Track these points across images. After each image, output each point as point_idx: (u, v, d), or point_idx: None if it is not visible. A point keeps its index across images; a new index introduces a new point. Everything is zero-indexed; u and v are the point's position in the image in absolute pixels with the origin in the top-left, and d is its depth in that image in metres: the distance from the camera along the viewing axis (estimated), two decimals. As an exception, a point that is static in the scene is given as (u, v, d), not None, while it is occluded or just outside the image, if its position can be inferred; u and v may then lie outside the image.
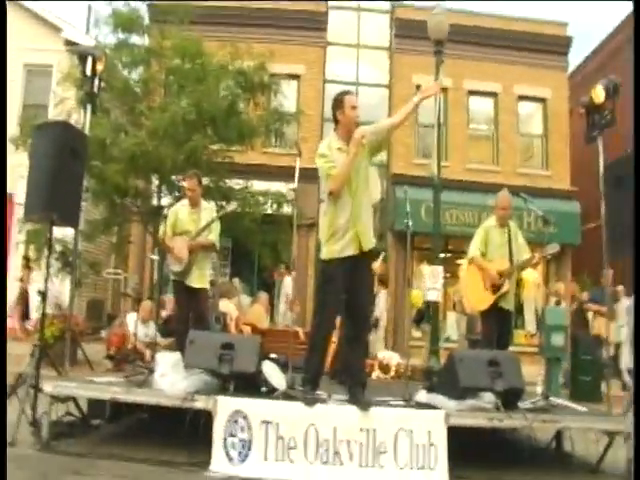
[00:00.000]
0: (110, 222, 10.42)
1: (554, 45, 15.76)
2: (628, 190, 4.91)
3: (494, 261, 6.07)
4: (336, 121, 4.38)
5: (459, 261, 13.30)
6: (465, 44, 14.59)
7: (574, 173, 15.54)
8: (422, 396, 4.53)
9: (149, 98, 10.52)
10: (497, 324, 5.99)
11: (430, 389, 4.63)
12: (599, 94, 5.55)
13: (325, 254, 4.34)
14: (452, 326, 11.81)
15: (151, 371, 4.48)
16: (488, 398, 4.25)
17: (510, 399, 4.34)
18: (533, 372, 8.06)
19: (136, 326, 6.42)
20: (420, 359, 8.79)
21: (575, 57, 18.39)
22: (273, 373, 4.46)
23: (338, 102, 4.32)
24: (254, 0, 15.32)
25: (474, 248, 6.19)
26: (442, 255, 10.08)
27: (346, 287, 4.26)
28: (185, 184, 6.06)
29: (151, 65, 10.58)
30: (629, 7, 16.71)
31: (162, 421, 4.52)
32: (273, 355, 5.70)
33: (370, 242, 4.31)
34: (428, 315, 9.65)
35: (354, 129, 4.23)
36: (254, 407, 4.00)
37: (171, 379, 4.16)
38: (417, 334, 13.58)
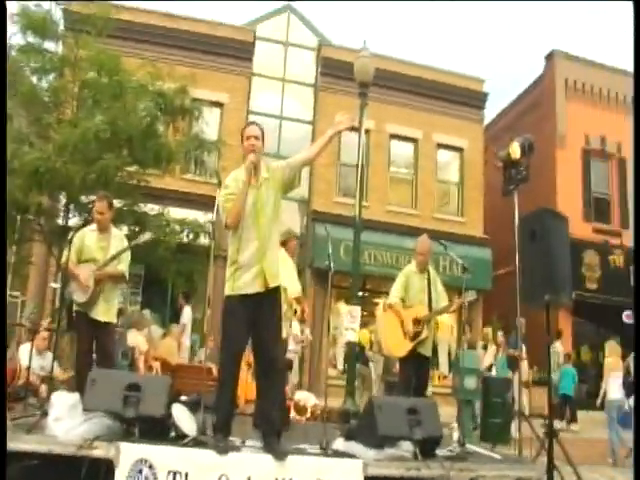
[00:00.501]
0: (7, 240, 9.50)
1: (472, 98, 16.66)
2: (541, 242, 5.17)
3: (413, 306, 6.12)
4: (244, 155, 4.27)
5: (377, 300, 13.41)
6: (389, 89, 15.09)
7: (485, 220, 16.29)
8: (340, 444, 4.35)
9: (59, 110, 9.86)
10: (415, 370, 5.99)
11: (348, 436, 4.47)
12: (515, 150, 5.88)
13: (228, 289, 4.11)
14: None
15: (44, 413, 3.94)
16: (406, 446, 4.15)
17: (428, 447, 4.28)
18: (446, 413, 8.13)
19: (30, 357, 5.75)
20: (337, 399, 8.64)
21: (491, 110, 19.50)
22: (183, 417, 4.07)
23: (241, 134, 4.25)
24: (179, 19, 15.07)
25: (394, 294, 6.21)
26: (360, 294, 10.05)
27: (251, 326, 4.05)
28: (95, 207, 5.58)
29: (64, 75, 9.94)
30: (539, 70, 17.99)
31: (55, 470, 3.97)
32: (184, 397, 5.31)
33: (276, 278, 4.13)
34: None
35: (254, 158, 4.11)
36: (161, 455, 3.64)
37: (67, 424, 3.68)
38: (333, 373, 13.49)
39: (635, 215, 5.04)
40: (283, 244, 6.17)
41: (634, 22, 5.81)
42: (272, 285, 4.06)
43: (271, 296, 4.09)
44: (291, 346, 8.31)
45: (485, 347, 10.85)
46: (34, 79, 9.89)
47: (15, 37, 9.70)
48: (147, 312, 9.78)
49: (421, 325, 5.97)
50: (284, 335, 6.01)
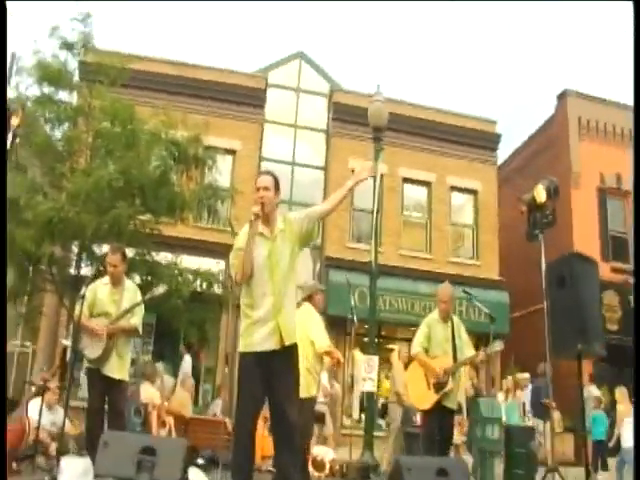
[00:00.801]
0: (19, 291, 9.33)
1: (484, 140, 16.63)
2: (571, 289, 4.98)
3: (437, 357, 5.89)
4: None
5: (391, 346, 13.07)
6: (400, 132, 15.05)
7: (500, 262, 16.04)
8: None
9: (73, 159, 9.84)
10: (439, 424, 5.72)
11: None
12: (541, 194, 5.76)
13: (242, 346, 3.90)
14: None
15: (53, 478, 3.67)
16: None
17: None
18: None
19: (40, 413, 5.51)
20: (354, 449, 8.33)
21: (504, 151, 19.46)
22: (200, 481, 3.80)
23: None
24: (192, 68, 15.25)
25: (417, 344, 6.00)
26: (375, 341, 9.74)
27: (266, 384, 3.82)
28: (109, 260, 5.39)
29: (78, 124, 9.96)
30: (551, 111, 18.02)
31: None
32: (200, 460, 5.02)
33: (292, 336, 3.91)
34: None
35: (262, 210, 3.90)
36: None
37: (77, 494, 3.41)
38: (347, 422, 13.05)
39: (635, 220, 4.90)
40: (309, 298, 6.01)
41: (634, 22, 5.76)
42: (288, 342, 3.85)
43: (287, 353, 3.88)
44: (320, 398, 7.97)
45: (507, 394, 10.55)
46: (48, 129, 9.93)
47: (31, 89, 9.81)
48: (160, 365, 9.48)
49: (446, 376, 5.71)
50: (312, 393, 5.79)
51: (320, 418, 8.20)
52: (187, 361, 10.57)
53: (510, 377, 11.61)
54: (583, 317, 4.87)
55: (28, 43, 21.08)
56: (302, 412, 5.67)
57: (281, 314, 3.84)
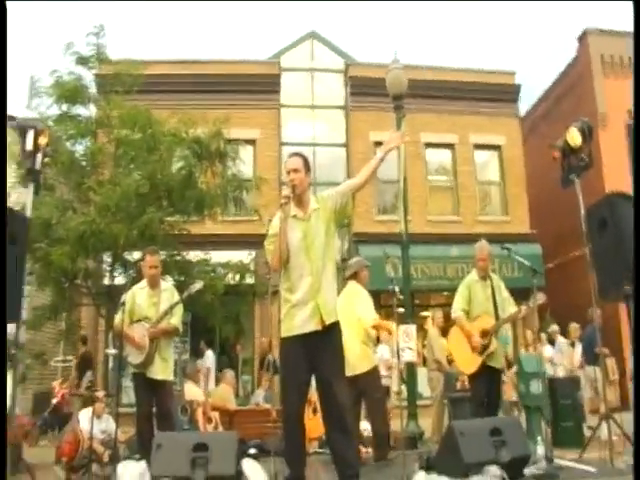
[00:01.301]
0: (58, 308, 9.60)
1: (504, 93, 16.18)
2: (614, 230, 4.81)
3: (479, 317, 5.81)
4: None
5: (425, 314, 13.04)
6: (419, 97, 14.73)
7: (529, 214, 15.78)
8: (422, 477, 4.14)
9: (97, 172, 10.00)
10: (487, 384, 5.69)
11: (428, 467, 4.21)
12: (575, 137, 5.51)
13: (284, 331, 3.91)
14: (423, 383, 11.32)
15: (110, 484, 3.85)
16: (493, 471, 3.86)
17: (516, 469, 4.02)
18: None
19: (92, 424, 5.71)
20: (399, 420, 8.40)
21: (525, 104, 18.98)
22: (254, 472, 3.94)
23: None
24: (204, 64, 15.33)
25: (457, 307, 5.93)
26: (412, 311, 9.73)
27: (310, 365, 3.83)
28: (146, 261, 5.49)
29: (98, 137, 10.12)
30: (572, 54, 17.45)
31: None
32: (252, 450, 5.16)
33: (333, 314, 3.90)
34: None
35: (293, 192, 3.93)
36: (236, 516, 3.48)
37: (137, 496, 3.58)
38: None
39: (635, 218, 4.61)
40: (355, 276, 6.09)
41: (634, 22, 5.57)
42: (329, 322, 3.84)
43: (330, 332, 3.87)
44: (383, 372, 8.14)
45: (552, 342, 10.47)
46: (70, 145, 10.11)
47: (50, 108, 9.99)
48: (200, 361, 9.68)
49: (489, 337, 5.67)
50: (374, 363, 5.95)
51: (386, 392, 8.31)
52: (209, 356, 10.70)
53: (529, 331, 11.48)
54: (628, 257, 4.58)
55: (45, 64, 21.48)
56: (370, 382, 5.86)
57: (320, 294, 3.83)
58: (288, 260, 3.87)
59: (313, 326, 3.80)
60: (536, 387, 7.84)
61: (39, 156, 5.05)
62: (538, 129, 17.70)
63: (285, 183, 4.02)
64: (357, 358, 5.77)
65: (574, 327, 10.65)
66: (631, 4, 5.02)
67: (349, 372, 6.00)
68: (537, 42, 59.31)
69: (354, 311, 5.83)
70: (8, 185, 9.03)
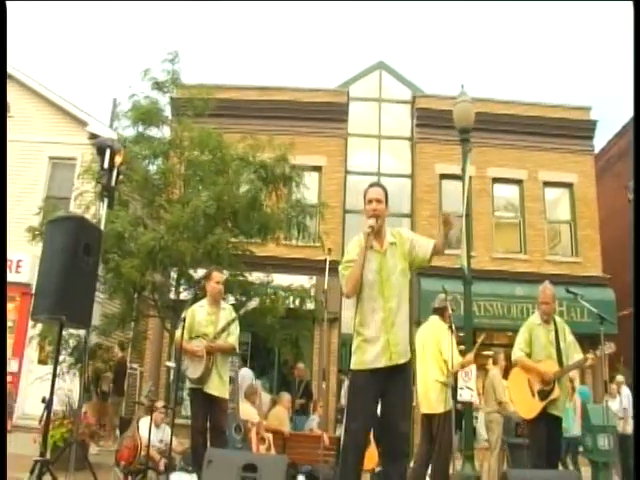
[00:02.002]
0: (126, 316, 9.99)
1: (579, 129, 15.74)
2: None
3: (541, 362, 5.59)
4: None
5: (487, 353, 12.70)
6: (488, 131, 14.61)
7: (603, 258, 15.15)
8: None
9: (168, 191, 10.40)
10: (547, 433, 5.44)
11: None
12: None
13: (354, 364, 3.87)
14: (481, 425, 10.96)
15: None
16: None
17: None
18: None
19: (150, 432, 5.91)
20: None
21: (599, 140, 18.34)
22: (301, 497, 3.90)
23: (363, 196, 4.02)
24: (274, 91, 15.74)
25: (517, 349, 5.73)
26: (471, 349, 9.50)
27: (377, 401, 3.78)
28: (213, 277, 5.70)
29: (170, 157, 10.54)
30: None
31: None
32: (301, 477, 5.14)
33: (403, 355, 3.84)
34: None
35: (372, 223, 3.86)
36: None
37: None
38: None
39: (635, 218, 4.29)
40: (439, 312, 6.05)
41: (634, 22, 5.31)
42: (399, 362, 3.80)
43: (400, 371, 3.83)
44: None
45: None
46: (144, 164, 10.58)
47: (128, 129, 10.53)
48: (258, 382, 9.77)
49: (552, 383, 5.44)
50: (450, 405, 5.83)
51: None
52: (242, 375, 10.80)
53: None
54: None
55: (126, 87, 22.76)
56: (444, 424, 5.76)
57: (392, 332, 3.78)
58: (362, 290, 3.83)
59: (384, 362, 3.76)
60: (604, 442, 7.47)
61: (114, 174, 5.32)
62: (614, 167, 17.08)
63: (365, 212, 3.95)
64: (436, 397, 5.78)
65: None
66: (631, 4, 4.83)
67: (427, 410, 5.96)
68: (615, 74, 57.65)
69: (440, 349, 5.78)
70: (88, 199, 9.61)
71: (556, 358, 5.55)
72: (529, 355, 5.65)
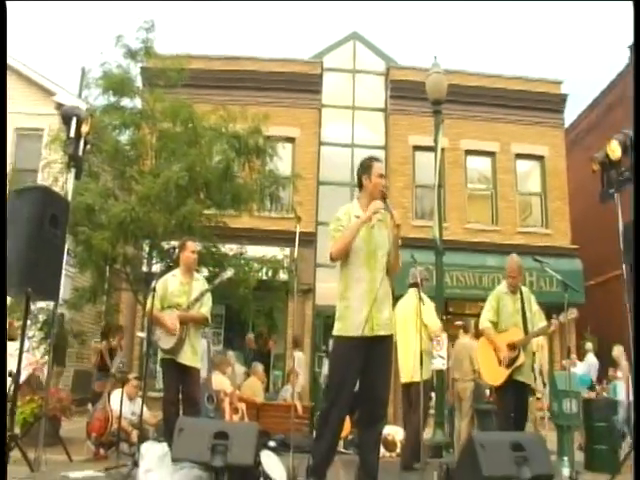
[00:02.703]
0: (97, 290, 9.84)
1: (550, 103, 15.87)
2: None
3: (508, 330, 5.74)
4: (360, 186, 4.13)
5: (458, 323, 12.95)
6: (461, 104, 14.64)
7: (572, 230, 15.44)
8: (440, 487, 4.06)
9: (139, 162, 10.20)
10: (513, 398, 5.60)
11: (447, 478, 4.16)
12: (615, 149, 5.31)
13: (337, 330, 3.95)
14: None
15: (135, 463, 3.95)
16: (514, 488, 3.76)
17: None
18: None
19: (121, 404, 5.93)
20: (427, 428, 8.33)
21: (570, 114, 18.55)
22: (272, 464, 3.97)
23: (366, 167, 4.08)
24: (247, 61, 15.50)
25: (484, 319, 5.88)
26: (443, 318, 9.66)
27: (361, 370, 3.85)
28: (187, 246, 5.68)
29: (142, 128, 10.34)
30: (623, 62, 16.99)
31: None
32: (272, 443, 5.23)
33: (385, 327, 3.92)
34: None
35: (378, 198, 3.96)
36: (251, 506, 3.52)
37: (157, 476, 3.67)
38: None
39: (635, 217, 4.40)
40: (416, 285, 6.14)
41: (634, 22, 5.37)
42: (380, 333, 3.88)
43: (383, 343, 3.91)
44: None
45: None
46: (115, 135, 10.37)
47: (98, 99, 10.26)
48: (231, 353, 9.82)
49: (517, 350, 5.58)
50: (430, 373, 6.15)
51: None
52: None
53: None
54: None
55: (96, 55, 22.17)
56: (424, 392, 5.86)
57: (375, 305, 3.84)
58: (348, 257, 3.91)
59: (367, 332, 3.81)
60: (569, 406, 7.68)
61: (81, 143, 5.20)
62: (584, 141, 17.32)
63: (374, 185, 4.00)
64: (417, 366, 5.86)
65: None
66: (631, 4, 4.88)
67: (406, 379, 6.09)
68: (586, 50, 58.03)
69: (421, 317, 5.88)
70: (56, 170, 9.41)
71: (522, 326, 5.68)
72: (496, 324, 5.78)
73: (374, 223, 3.97)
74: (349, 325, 3.86)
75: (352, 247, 3.88)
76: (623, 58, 17.06)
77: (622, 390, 9.80)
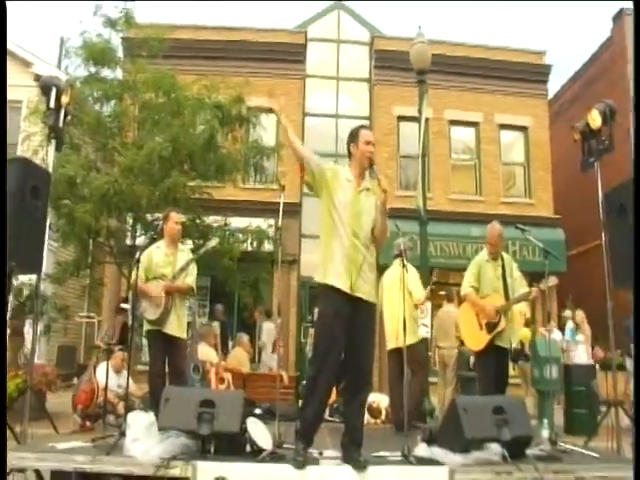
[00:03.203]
0: (81, 264, 9.83)
1: (533, 73, 15.88)
2: (631, 217, 4.70)
3: (489, 297, 5.81)
4: (349, 155, 4.15)
5: (443, 292, 13.10)
6: (445, 74, 14.59)
7: (555, 200, 15.60)
8: (422, 449, 4.13)
9: (122, 134, 10.11)
10: (494, 364, 5.69)
11: (430, 440, 4.25)
12: (595, 119, 5.35)
13: (322, 276, 3.94)
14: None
15: (122, 434, 3.98)
16: (494, 449, 3.89)
17: (518, 448, 4.01)
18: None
19: (107, 376, 5.93)
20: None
21: (553, 85, 18.56)
22: (258, 431, 4.02)
23: (353, 135, 4.11)
24: (230, 31, 15.28)
25: (466, 284, 5.94)
26: (428, 288, 9.77)
27: (345, 338, 3.86)
28: (171, 217, 5.66)
29: (124, 99, 10.19)
30: (605, 34, 16.99)
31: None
32: (258, 410, 5.30)
33: (367, 293, 3.92)
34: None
35: (366, 165, 3.99)
36: (237, 472, 3.58)
37: (144, 445, 3.68)
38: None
39: (635, 216, 4.49)
40: (399, 256, 6.19)
41: (634, 22, 5.35)
42: (363, 298, 3.89)
43: (368, 308, 3.94)
44: None
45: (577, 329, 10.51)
46: (97, 106, 10.21)
47: (79, 69, 10.10)
48: (216, 324, 9.85)
49: (498, 315, 5.67)
50: (419, 337, 6.25)
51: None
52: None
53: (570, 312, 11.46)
54: None
55: (75, 25, 21.61)
56: (414, 356, 6.01)
57: (361, 272, 3.87)
58: (332, 219, 3.92)
59: (347, 287, 3.82)
60: (550, 372, 7.85)
61: (61, 114, 5.12)
62: (567, 112, 17.36)
63: (362, 152, 4.03)
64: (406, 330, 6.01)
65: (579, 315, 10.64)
66: (631, 4, 4.86)
67: (395, 344, 6.17)
68: (570, 21, 57.69)
69: (406, 285, 5.95)
70: (36, 143, 9.26)
71: (503, 292, 5.75)
72: (477, 290, 5.85)
73: (362, 188, 3.99)
74: (328, 272, 3.88)
75: (336, 208, 3.91)
76: (606, 30, 17.02)
77: (583, 353, 10.06)
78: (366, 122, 15.41)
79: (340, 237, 3.88)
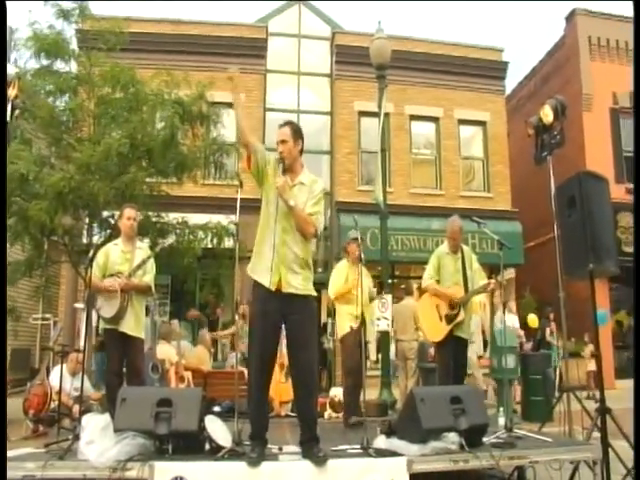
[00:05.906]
0: (34, 263, 9.45)
1: (491, 70, 16.17)
2: (581, 208, 4.81)
3: (449, 289, 5.91)
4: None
5: (404, 286, 13.25)
6: (405, 69, 14.74)
7: (512, 194, 15.93)
8: (381, 441, 4.19)
9: (77, 129, 9.83)
10: (453, 354, 5.79)
11: (389, 432, 4.30)
12: (547, 114, 5.47)
13: (251, 271, 3.97)
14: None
15: (76, 437, 3.89)
16: (452, 438, 3.97)
17: (475, 437, 4.10)
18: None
19: (62, 380, 5.74)
20: (373, 391, 8.53)
21: (511, 82, 18.91)
22: (217, 429, 3.99)
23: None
24: (190, 25, 15.07)
25: (427, 277, 6.04)
26: (389, 281, 9.86)
27: (281, 327, 3.88)
28: (124, 213, 5.55)
29: (79, 93, 9.92)
30: (559, 32, 17.40)
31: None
32: (216, 408, 5.25)
33: (296, 288, 3.89)
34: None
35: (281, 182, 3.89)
36: (196, 471, 3.55)
37: (99, 447, 3.60)
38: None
39: (635, 215, 4.64)
40: (344, 250, 6.31)
41: (634, 22, 5.51)
42: (290, 291, 3.86)
43: (302, 301, 3.91)
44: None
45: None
46: (50, 100, 9.89)
47: (30, 62, 9.73)
48: (175, 322, 9.70)
49: (457, 307, 5.79)
50: (344, 331, 6.21)
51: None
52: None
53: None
54: (594, 235, 4.69)
55: (24, 15, 20.83)
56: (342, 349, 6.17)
57: (292, 267, 3.87)
58: (262, 213, 3.94)
59: (273, 284, 3.82)
60: (506, 361, 8.03)
61: (8, 108, 4.95)
62: (524, 108, 17.73)
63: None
64: (340, 325, 6.35)
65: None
66: (631, 4, 4.99)
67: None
68: (526, 20, 58.83)
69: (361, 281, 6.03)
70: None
71: (462, 284, 5.87)
72: (438, 282, 5.96)
73: (295, 184, 3.98)
74: (256, 266, 3.91)
75: (271, 202, 3.90)
76: (559, 29, 17.43)
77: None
78: (327, 117, 15.51)
79: (271, 232, 3.86)
